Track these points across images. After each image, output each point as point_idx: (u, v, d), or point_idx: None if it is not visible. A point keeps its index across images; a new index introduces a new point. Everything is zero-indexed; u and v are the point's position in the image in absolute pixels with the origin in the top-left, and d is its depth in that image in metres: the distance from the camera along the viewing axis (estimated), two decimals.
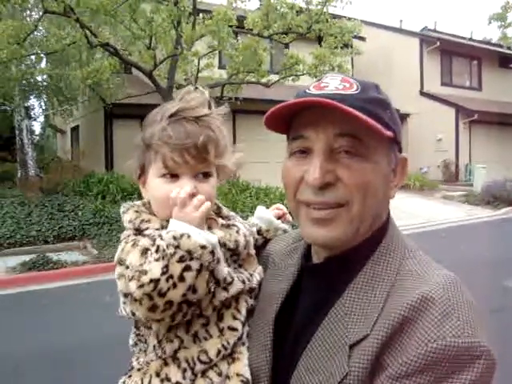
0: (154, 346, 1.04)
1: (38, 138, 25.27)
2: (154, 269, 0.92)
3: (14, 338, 5.47)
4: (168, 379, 1.00)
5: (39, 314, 6.46)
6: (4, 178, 14.14)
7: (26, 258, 8.78)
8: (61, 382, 4.39)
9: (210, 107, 1.11)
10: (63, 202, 11.49)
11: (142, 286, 0.92)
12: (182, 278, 0.92)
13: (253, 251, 1.16)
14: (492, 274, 7.66)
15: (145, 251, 0.97)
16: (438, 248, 9.27)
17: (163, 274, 0.91)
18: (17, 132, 14.41)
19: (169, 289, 0.92)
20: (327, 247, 0.97)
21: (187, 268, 0.92)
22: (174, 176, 1.06)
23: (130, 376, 1.09)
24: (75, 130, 20.57)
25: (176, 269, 0.92)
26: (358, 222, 0.92)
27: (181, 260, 0.92)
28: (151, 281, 0.91)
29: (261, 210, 1.32)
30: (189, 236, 0.93)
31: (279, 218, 1.32)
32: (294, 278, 1.06)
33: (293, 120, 0.96)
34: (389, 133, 0.90)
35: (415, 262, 0.93)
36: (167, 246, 0.93)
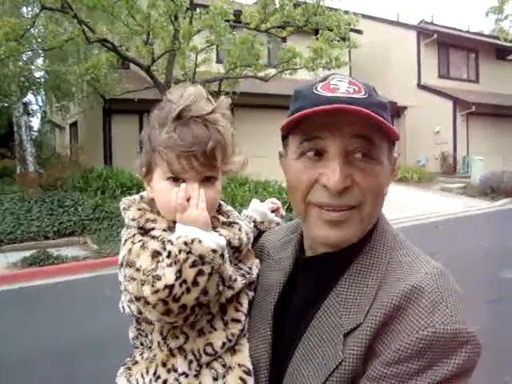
0: (159, 343, 1.04)
1: (36, 134, 25.22)
2: (168, 274, 0.92)
3: (18, 332, 5.53)
4: (174, 369, 1.01)
5: (41, 308, 6.51)
6: (3, 175, 14.11)
7: (27, 253, 8.82)
8: (61, 376, 4.46)
9: (211, 101, 1.07)
10: (63, 198, 11.50)
11: (156, 291, 0.92)
12: (195, 283, 0.93)
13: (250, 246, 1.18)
14: (489, 264, 7.73)
15: (155, 254, 0.98)
16: (435, 240, 9.35)
17: (177, 279, 0.92)
18: (15, 128, 14.37)
19: (183, 293, 0.93)
20: (337, 247, 0.97)
21: (200, 272, 0.93)
22: (179, 180, 1.03)
23: (135, 363, 1.09)
24: (74, 125, 20.53)
25: (189, 274, 0.93)
26: (367, 222, 0.96)
27: (193, 265, 0.93)
28: (166, 287, 0.92)
29: (255, 203, 1.34)
30: (200, 241, 0.94)
31: (273, 211, 1.35)
32: (290, 270, 1.09)
33: (301, 121, 0.93)
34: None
35: (404, 252, 0.97)
36: (179, 252, 0.93)
